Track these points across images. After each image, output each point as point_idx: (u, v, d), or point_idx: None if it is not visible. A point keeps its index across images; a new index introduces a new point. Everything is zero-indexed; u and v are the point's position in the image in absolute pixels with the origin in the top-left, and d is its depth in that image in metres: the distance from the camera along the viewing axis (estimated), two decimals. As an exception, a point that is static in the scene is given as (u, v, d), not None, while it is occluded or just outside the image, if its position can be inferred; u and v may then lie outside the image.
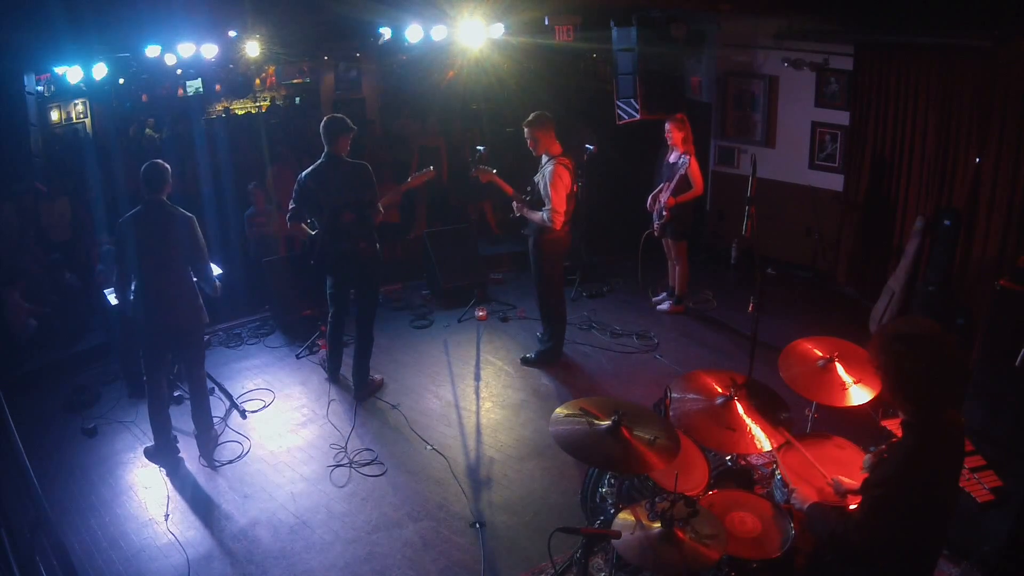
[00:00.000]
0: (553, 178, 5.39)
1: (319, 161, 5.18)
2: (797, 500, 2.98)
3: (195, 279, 4.69)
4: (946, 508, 2.57)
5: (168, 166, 4.53)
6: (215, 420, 5.25)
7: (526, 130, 5.53)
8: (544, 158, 5.54)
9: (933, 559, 2.63)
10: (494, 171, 5.75)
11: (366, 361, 5.63)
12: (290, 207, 5.26)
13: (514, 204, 5.76)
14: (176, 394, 5.37)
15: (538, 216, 5.54)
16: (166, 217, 4.49)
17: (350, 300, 5.65)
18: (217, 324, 6.60)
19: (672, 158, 6.51)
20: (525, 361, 6.10)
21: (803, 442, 3.45)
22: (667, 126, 6.51)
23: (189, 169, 8.40)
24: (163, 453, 4.84)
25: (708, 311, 7.08)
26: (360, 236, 5.23)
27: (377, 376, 5.82)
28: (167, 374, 5.02)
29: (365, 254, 5.30)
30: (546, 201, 5.46)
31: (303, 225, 5.33)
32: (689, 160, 6.39)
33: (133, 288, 4.60)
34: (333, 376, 5.87)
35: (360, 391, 5.63)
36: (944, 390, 2.47)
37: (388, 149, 9.31)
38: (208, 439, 4.92)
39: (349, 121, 5.19)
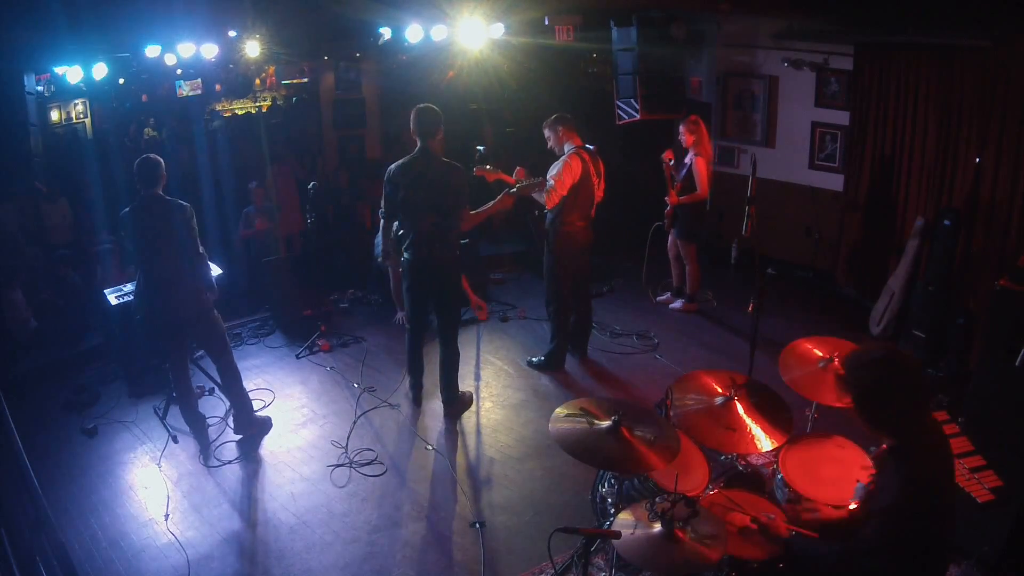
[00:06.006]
0: (562, 164, 5.49)
1: (412, 155, 4.77)
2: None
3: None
4: (952, 512, 2.58)
5: (161, 160, 4.59)
6: (216, 420, 5.28)
7: (545, 130, 5.66)
8: (566, 148, 5.60)
9: (945, 561, 2.65)
10: (488, 167, 5.71)
11: (454, 375, 5.29)
12: (382, 205, 5.01)
13: (518, 188, 5.33)
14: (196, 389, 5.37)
15: (539, 195, 5.57)
16: (163, 208, 4.57)
17: (428, 319, 5.29)
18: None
19: (687, 159, 6.55)
20: (531, 364, 6.07)
21: (804, 442, 3.46)
22: (680, 128, 6.55)
23: (189, 169, 8.40)
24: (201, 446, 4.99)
25: (708, 311, 7.09)
26: (438, 243, 4.84)
27: (467, 391, 5.52)
28: (189, 365, 5.12)
29: (441, 261, 4.91)
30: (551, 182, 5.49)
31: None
32: (694, 160, 6.41)
33: (135, 282, 4.68)
34: (417, 401, 5.48)
35: (450, 407, 5.33)
36: (915, 405, 2.51)
37: (388, 150, 9.31)
38: (248, 421, 5.05)
39: (439, 112, 4.74)
